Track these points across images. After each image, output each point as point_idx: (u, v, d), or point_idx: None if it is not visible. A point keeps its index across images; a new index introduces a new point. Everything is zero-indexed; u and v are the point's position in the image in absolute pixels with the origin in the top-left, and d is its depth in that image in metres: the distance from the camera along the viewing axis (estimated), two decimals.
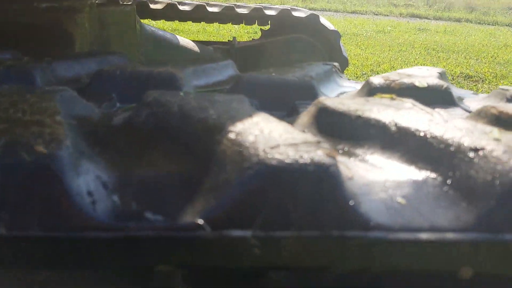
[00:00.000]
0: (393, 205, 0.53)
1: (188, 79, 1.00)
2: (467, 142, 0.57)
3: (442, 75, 1.12)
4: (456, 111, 0.91)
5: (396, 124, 0.65)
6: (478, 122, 0.80)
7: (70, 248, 0.47)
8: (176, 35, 3.77)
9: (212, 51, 3.93)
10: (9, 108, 0.61)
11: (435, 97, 0.95)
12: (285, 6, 4.22)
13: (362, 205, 0.51)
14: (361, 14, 13.82)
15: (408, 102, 0.75)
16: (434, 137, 0.60)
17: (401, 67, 5.78)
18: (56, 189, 0.47)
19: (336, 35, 3.92)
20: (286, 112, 0.93)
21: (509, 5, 14.15)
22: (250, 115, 0.65)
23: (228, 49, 4.06)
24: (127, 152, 0.62)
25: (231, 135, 0.57)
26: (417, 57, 6.72)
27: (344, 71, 3.81)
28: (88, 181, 0.50)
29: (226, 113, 0.65)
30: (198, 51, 3.78)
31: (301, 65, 1.18)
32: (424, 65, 6.04)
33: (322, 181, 0.50)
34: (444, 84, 0.99)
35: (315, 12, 3.84)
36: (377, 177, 0.58)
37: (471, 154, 0.55)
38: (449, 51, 7.25)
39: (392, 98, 0.80)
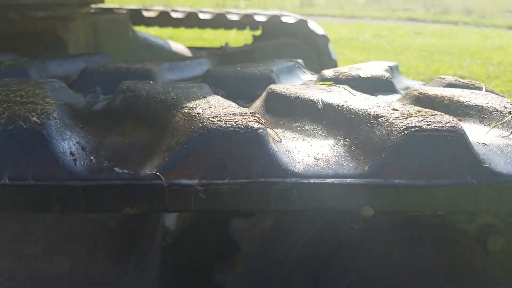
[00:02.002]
0: (308, 160, 0.67)
1: (163, 74, 1.15)
2: (371, 112, 0.71)
3: (392, 68, 1.26)
4: (394, 96, 1.06)
5: (322, 101, 0.80)
6: (403, 102, 0.95)
7: (56, 194, 0.63)
8: (169, 41, 3.93)
9: (205, 56, 4.09)
10: (10, 93, 0.76)
11: (378, 86, 1.09)
12: (275, 12, 4.39)
13: (284, 160, 0.66)
14: (359, 18, 13.96)
15: (340, 87, 0.90)
16: (348, 109, 0.75)
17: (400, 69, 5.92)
18: (46, 149, 0.62)
19: (324, 39, 4.08)
20: (247, 100, 1.07)
21: (506, 7, 14.28)
22: (204, 97, 0.80)
23: (221, 54, 4.22)
24: (103, 127, 0.77)
25: (184, 110, 0.72)
26: (411, 59, 6.86)
27: None
28: (71, 145, 0.66)
29: (185, 95, 0.80)
30: (191, 56, 3.94)
31: (266, 61, 1.32)
32: (418, 67, 6.18)
33: (251, 140, 0.65)
34: (386, 74, 1.13)
35: (304, 18, 4.00)
36: (302, 141, 0.73)
37: (373, 121, 0.70)
38: (443, 53, 7.39)
39: (330, 85, 0.95)
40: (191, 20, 4.42)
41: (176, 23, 4.42)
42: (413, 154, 0.65)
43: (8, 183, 0.61)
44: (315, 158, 0.68)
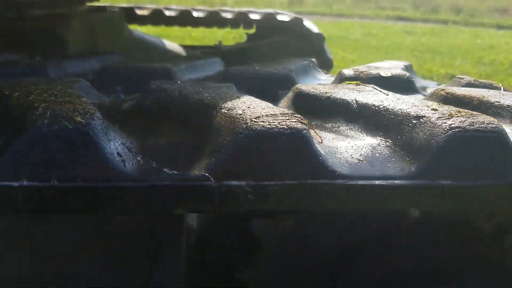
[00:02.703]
0: (353, 161, 0.68)
1: (182, 74, 1.14)
2: (411, 112, 0.72)
3: (407, 68, 1.27)
4: (416, 96, 1.06)
5: (356, 102, 0.80)
6: (432, 102, 0.96)
7: (107, 196, 0.62)
8: (163, 40, 3.91)
9: (198, 54, 4.07)
10: (42, 93, 0.75)
11: (399, 85, 1.09)
12: (268, 10, 4.38)
13: (329, 161, 0.66)
14: (348, 17, 14.02)
15: (369, 87, 0.90)
16: (386, 110, 0.75)
17: None
18: (94, 150, 0.61)
19: (320, 37, 4.09)
20: (270, 100, 1.08)
21: (495, 6, 14.45)
22: (238, 97, 0.80)
23: (214, 53, 4.20)
24: (140, 128, 0.76)
25: (223, 110, 0.72)
26: (402, 59, 6.90)
27: (330, 73, 3.97)
28: (116, 145, 0.65)
29: (219, 96, 0.80)
30: (185, 55, 3.92)
31: (282, 60, 1.32)
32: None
33: (296, 141, 0.64)
34: (407, 73, 1.14)
35: (299, 16, 4.00)
36: (341, 142, 0.73)
37: (414, 121, 0.70)
38: (434, 52, 7.45)
39: (357, 84, 0.96)
40: (184, 19, 4.42)
41: (169, 21, 4.40)
42: (458, 154, 0.65)
43: (57, 184, 0.60)
44: (358, 160, 0.68)
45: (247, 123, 0.67)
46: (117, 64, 1.09)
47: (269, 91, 1.09)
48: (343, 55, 7.38)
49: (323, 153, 0.66)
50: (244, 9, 4.55)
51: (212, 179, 0.63)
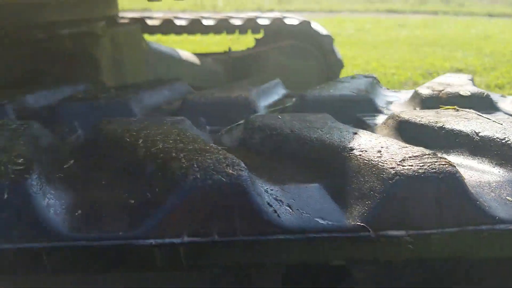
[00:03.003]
0: (504, 202, 0.65)
1: (257, 101, 1.12)
2: None
3: (472, 81, 1.26)
4: (500, 115, 1.05)
5: (477, 133, 0.78)
6: None
7: (264, 249, 0.59)
8: (176, 49, 3.88)
9: (211, 62, 4.05)
10: (166, 138, 0.72)
11: (479, 105, 1.07)
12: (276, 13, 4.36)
13: (483, 203, 0.64)
14: (338, 12, 14.02)
15: (471, 113, 0.89)
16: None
17: (391, 65, 5.95)
18: (249, 202, 0.58)
19: (329, 39, 4.08)
20: (352, 124, 1.05)
21: None
22: (352, 132, 0.78)
23: (226, 60, 4.18)
24: (264, 169, 0.73)
25: (355, 152, 0.69)
26: (402, 53, 6.91)
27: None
28: (262, 194, 0.62)
29: (336, 134, 0.78)
30: (199, 63, 3.89)
31: (344, 79, 1.30)
32: (412, 61, 6.22)
33: (452, 186, 0.62)
34: (484, 92, 1.12)
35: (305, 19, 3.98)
36: (481, 179, 0.71)
37: None
38: (433, 45, 7.47)
39: (455, 109, 0.94)
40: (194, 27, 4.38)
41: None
42: None
43: (218, 239, 0.58)
44: (508, 200, 0.66)
45: (393, 167, 0.64)
46: (196, 96, 1.06)
47: (349, 115, 1.07)
48: (341, 53, 7.37)
49: (476, 195, 0.64)
50: (251, 14, 4.53)
51: (370, 229, 0.61)
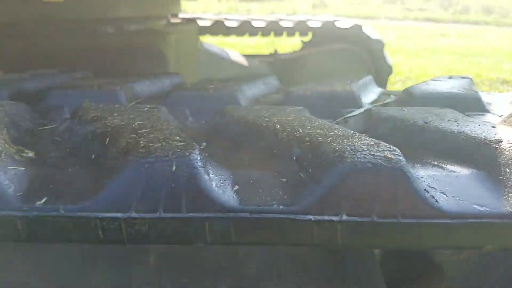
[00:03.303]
0: None
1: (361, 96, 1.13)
2: None
3: None
4: None
5: None
6: None
7: (426, 234, 0.62)
8: (226, 50, 3.94)
9: (258, 64, 4.10)
10: (302, 124, 0.75)
11: None
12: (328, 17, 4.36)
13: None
14: (376, 19, 13.93)
15: None
16: None
17: (435, 73, 5.90)
18: (410, 186, 0.61)
19: (380, 44, 4.07)
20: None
21: None
22: (491, 126, 0.80)
23: (273, 61, 4.22)
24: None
25: (506, 144, 0.71)
26: (446, 62, 6.84)
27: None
28: (420, 179, 0.65)
29: (468, 124, 0.80)
30: (247, 64, 3.95)
31: (441, 78, 1.29)
32: (458, 71, 6.13)
33: None
34: None
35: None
36: None
37: None
38: (477, 55, 7.37)
39: None
40: (245, 28, 4.45)
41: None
42: None
43: (377, 220, 0.60)
44: None
45: None
46: (300, 89, 1.08)
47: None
48: None
49: None
50: (301, 17, 4.56)
51: None
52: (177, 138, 0.68)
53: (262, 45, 7.59)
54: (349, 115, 0.97)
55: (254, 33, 4.52)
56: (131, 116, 0.81)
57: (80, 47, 2.09)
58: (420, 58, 7.32)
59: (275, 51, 4.36)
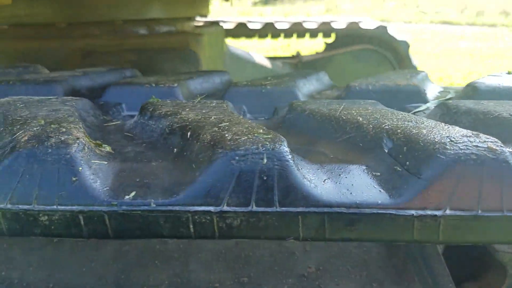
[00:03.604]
0: None
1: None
2: None
3: None
4: None
5: None
6: None
7: None
8: (249, 52, 3.94)
9: (281, 65, 4.08)
10: (388, 117, 0.73)
11: None
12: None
13: None
14: (391, 22, 13.86)
15: None
16: None
17: (456, 75, 5.85)
18: None
19: (405, 45, 4.03)
20: None
21: None
22: None
23: (295, 63, 4.21)
24: None
25: None
26: (467, 64, 6.77)
27: None
28: None
29: None
30: (270, 66, 3.93)
31: (500, 74, 1.26)
32: (477, 72, 6.07)
33: None
34: None
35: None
36: None
37: None
38: (496, 57, 7.29)
39: None
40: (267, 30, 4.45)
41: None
42: None
43: (481, 214, 0.58)
44: None
45: None
46: (363, 83, 1.06)
47: None
48: None
49: None
50: (324, 18, 4.54)
51: None
52: (261, 131, 0.66)
53: (275, 49, 7.58)
54: (418, 109, 0.94)
55: (277, 35, 4.52)
56: (203, 111, 0.79)
57: (114, 48, 2.09)
58: (439, 60, 7.27)
59: (298, 53, 4.34)
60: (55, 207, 0.59)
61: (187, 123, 0.72)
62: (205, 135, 0.66)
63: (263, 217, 0.60)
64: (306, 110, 0.82)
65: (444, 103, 0.88)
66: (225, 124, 0.70)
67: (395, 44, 4.00)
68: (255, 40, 4.62)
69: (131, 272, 1.06)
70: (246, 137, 0.64)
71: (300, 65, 4.25)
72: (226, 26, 4.19)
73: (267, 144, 0.62)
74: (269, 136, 0.64)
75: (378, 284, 1.00)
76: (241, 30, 4.49)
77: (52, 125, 0.67)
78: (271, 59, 4.17)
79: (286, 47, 8.05)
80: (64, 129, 0.66)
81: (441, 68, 6.48)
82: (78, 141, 0.63)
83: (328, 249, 1.11)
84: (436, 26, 12.84)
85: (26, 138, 0.63)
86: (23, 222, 0.60)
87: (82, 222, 0.60)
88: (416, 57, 7.45)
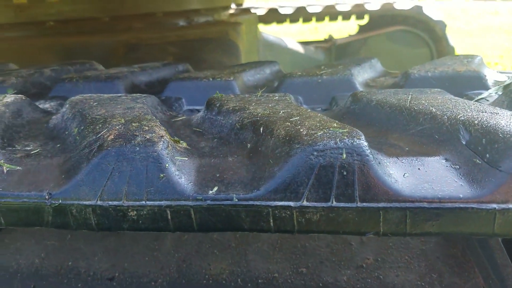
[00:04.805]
0: None
1: None
2: None
3: None
4: None
5: None
6: None
7: None
8: (281, 37, 3.91)
9: (313, 50, 4.04)
10: (461, 107, 0.73)
11: None
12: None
13: None
14: (418, 0, 13.51)
15: None
16: None
17: (493, 54, 5.68)
18: None
19: (442, 25, 3.93)
20: None
21: None
22: None
23: (328, 47, 4.16)
24: None
25: None
26: (503, 42, 6.56)
27: None
28: None
29: None
30: (303, 51, 3.90)
31: None
32: None
33: None
34: None
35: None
36: None
37: None
38: None
39: None
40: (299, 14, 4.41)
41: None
42: None
43: None
44: None
45: None
46: (421, 70, 1.05)
47: None
48: None
49: None
50: (357, 0, 4.46)
51: None
52: (335, 124, 0.67)
53: (302, 32, 7.51)
54: (480, 96, 0.93)
55: (308, 19, 4.47)
56: (270, 105, 0.80)
57: (156, 41, 2.11)
58: (474, 37, 7.07)
59: (330, 37, 4.29)
60: (143, 202, 0.62)
61: (258, 118, 0.73)
62: (279, 130, 0.67)
63: (343, 212, 0.61)
64: (372, 101, 0.82)
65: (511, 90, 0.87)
66: (295, 118, 0.71)
67: (431, 24, 3.91)
68: (285, 25, 4.57)
69: (192, 261, 1.09)
70: (322, 132, 0.64)
71: (334, 49, 4.20)
72: (258, 12, 4.17)
73: (345, 139, 0.62)
74: (345, 130, 0.64)
75: (438, 275, 1.00)
76: (273, 16, 4.46)
77: (133, 123, 0.69)
78: (303, 43, 4.14)
79: (313, 30, 7.96)
80: (146, 127, 0.68)
81: (476, 46, 6.31)
82: (162, 139, 0.65)
83: (385, 240, 1.11)
84: (467, 2, 12.46)
85: (112, 136, 0.65)
86: (112, 217, 0.63)
87: (169, 216, 0.62)
88: (452, 34, 7.28)
